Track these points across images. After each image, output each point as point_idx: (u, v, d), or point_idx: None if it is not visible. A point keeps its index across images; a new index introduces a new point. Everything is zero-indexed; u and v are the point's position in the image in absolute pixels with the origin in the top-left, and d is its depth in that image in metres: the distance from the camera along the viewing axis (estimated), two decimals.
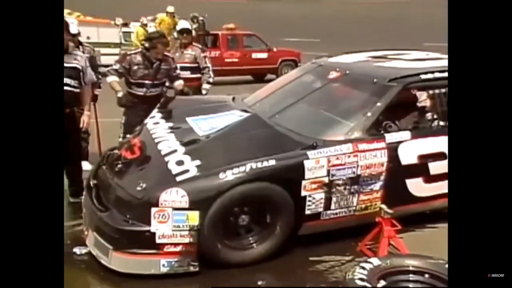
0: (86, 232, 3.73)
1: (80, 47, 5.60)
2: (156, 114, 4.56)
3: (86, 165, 5.11)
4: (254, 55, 14.12)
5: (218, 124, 4.09)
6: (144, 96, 5.21)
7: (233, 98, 4.91)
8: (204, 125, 4.10)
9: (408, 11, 28.37)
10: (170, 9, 14.12)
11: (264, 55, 13.54)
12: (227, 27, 14.09)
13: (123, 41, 16.49)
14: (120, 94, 5.04)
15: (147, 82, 5.19)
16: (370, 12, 28.45)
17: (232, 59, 13.89)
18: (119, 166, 3.82)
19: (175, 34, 7.70)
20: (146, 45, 5.25)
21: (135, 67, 5.14)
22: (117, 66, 5.14)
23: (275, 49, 14.01)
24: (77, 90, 4.45)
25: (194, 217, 3.28)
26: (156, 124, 4.29)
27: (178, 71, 5.57)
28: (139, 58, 5.16)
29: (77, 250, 3.70)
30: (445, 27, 2.51)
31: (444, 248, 3.62)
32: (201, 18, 13.05)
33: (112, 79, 5.12)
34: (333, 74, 4.40)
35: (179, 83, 5.50)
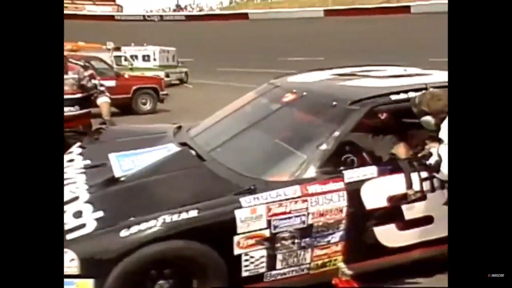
0: None
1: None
2: (75, 148, 3.80)
3: None
4: None
5: (143, 161, 3.34)
6: None
7: (178, 127, 4.16)
8: (126, 163, 3.35)
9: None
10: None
11: (112, 83, 10.48)
12: (69, 48, 11.14)
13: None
14: None
15: None
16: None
17: None
18: None
19: None
20: None
21: None
22: None
23: (126, 76, 11.85)
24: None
25: (85, 286, 2.51)
26: (70, 162, 3.53)
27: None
28: None
29: None
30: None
31: None
32: None
33: None
34: (288, 97, 3.64)
35: None
